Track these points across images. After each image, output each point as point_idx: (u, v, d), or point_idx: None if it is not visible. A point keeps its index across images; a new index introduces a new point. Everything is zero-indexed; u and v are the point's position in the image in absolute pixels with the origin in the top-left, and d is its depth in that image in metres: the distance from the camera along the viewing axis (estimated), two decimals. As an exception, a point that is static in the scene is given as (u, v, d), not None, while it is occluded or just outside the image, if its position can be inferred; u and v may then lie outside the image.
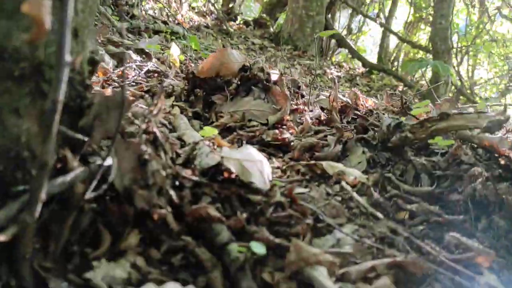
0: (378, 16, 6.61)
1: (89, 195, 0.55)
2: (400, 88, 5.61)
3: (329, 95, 1.37)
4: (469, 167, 0.97)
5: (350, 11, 6.93)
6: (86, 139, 0.60)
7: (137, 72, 1.49)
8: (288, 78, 1.77)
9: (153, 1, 4.09)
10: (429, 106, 1.46)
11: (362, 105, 1.55)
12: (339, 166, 0.97)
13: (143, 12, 3.69)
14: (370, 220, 0.81)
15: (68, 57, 0.47)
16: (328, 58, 6.01)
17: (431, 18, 6.00)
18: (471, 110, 1.63)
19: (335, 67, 5.45)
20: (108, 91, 0.72)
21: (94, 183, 0.56)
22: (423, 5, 5.17)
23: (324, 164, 0.95)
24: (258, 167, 0.75)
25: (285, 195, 0.77)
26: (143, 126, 0.69)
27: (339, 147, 1.06)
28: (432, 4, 5.06)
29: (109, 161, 0.61)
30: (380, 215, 0.83)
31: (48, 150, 0.48)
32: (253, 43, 4.73)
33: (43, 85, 0.55)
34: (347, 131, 1.19)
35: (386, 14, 6.71)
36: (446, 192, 0.94)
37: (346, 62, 6.56)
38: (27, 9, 0.39)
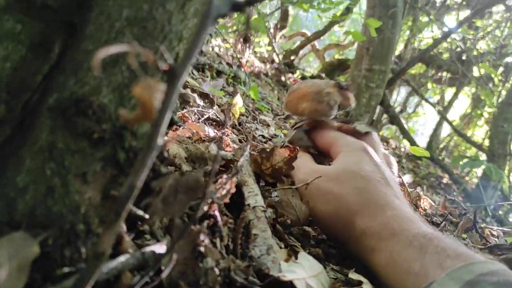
0: (438, 103, 6.51)
1: (136, 291, 0.47)
2: (445, 180, 5.39)
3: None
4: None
5: (409, 90, 6.88)
6: (147, 216, 0.53)
7: (197, 118, 1.45)
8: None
9: (221, 40, 4.17)
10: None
11: (421, 207, 1.43)
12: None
13: (210, 48, 3.76)
14: None
15: (161, 141, 0.41)
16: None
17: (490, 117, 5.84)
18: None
19: (382, 144, 5.32)
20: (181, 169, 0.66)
21: (146, 279, 0.48)
22: (487, 103, 5.03)
23: None
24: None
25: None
26: (205, 208, 0.62)
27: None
28: (496, 104, 4.93)
29: (162, 247, 0.54)
30: None
31: (109, 239, 0.40)
32: (307, 101, 4.70)
33: (119, 153, 0.49)
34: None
35: (445, 102, 6.61)
36: None
37: (394, 140, 6.43)
38: (139, 92, 0.34)
